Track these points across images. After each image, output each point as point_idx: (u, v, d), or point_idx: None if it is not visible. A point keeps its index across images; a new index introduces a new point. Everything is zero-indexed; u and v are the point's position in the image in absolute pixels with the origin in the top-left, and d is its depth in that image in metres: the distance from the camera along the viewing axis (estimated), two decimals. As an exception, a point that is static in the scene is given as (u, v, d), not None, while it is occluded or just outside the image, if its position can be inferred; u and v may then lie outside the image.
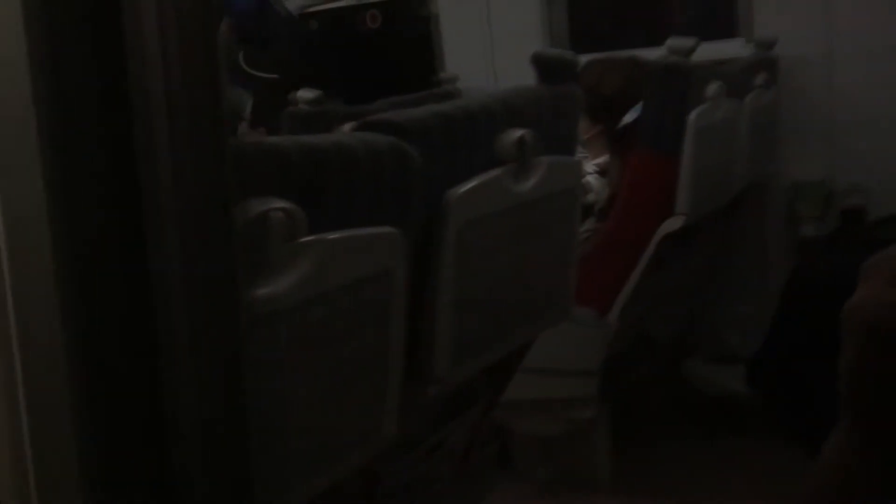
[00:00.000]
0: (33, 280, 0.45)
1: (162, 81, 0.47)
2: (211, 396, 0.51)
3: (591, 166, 2.26)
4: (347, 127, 2.01)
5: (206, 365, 0.51)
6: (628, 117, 2.14)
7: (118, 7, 0.45)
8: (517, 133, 1.21)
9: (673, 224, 1.95)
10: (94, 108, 0.45)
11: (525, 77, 1.45)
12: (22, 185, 0.44)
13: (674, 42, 1.99)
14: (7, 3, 0.43)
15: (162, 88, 0.47)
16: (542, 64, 1.41)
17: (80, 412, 0.45)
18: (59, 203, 0.44)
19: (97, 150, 0.46)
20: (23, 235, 0.44)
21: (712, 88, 1.98)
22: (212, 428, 0.51)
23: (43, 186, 0.44)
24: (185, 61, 0.48)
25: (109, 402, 0.47)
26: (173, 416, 0.49)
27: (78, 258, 0.45)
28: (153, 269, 0.48)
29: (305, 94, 2.37)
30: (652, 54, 2.16)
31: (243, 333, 0.54)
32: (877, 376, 0.49)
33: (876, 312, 0.49)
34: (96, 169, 0.46)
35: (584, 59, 2.12)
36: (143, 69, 0.46)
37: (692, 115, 1.93)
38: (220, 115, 0.51)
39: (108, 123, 0.46)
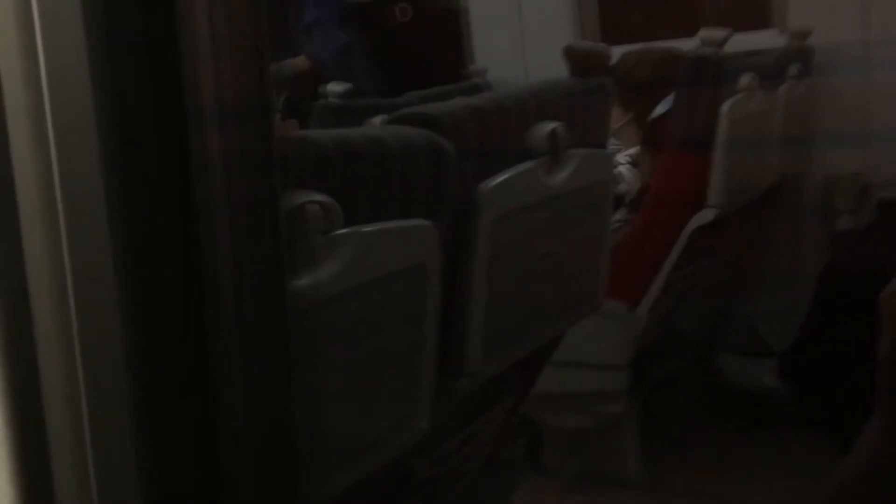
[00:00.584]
0: (92, 277, 0.46)
1: (213, 78, 0.47)
2: (261, 390, 0.52)
3: (624, 157, 2.25)
4: (378, 120, 2.02)
5: (255, 358, 0.52)
6: (660, 108, 2.12)
7: (173, 11, 0.46)
8: (549, 126, 1.21)
9: (704, 216, 1.94)
10: (150, 105, 0.46)
11: (556, 70, 1.44)
12: (83, 180, 0.45)
13: (706, 33, 1.97)
14: (69, 15, 0.44)
15: (212, 82, 0.47)
16: (573, 56, 1.40)
17: (135, 406, 0.46)
18: (116, 197, 0.45)
19: (153, 146, 0.47)
20: (83, 229, 0.45)
21: (745, 80, 1.96)
22: (261, 423, 0.52)
23: (103, 184, 0.45)
24: (236, 60, 0.48)
25: (162, 401, 0.47)
26: (223, 411, 0.49)
27: (132, 251, 0.46)
28: (204, 264, 0.48)
29: (335, 87, 2.38)
30: (684, 45, 2.14)
31: (290, 326, 0.54)
32: None
33: None
34: (151, 165, 0.47)
35: (615, 50, 2.10)
36: (197, 71, 0.47)
37: (724, 107, 1.91)
38: (269, 114, 0.52)
39: (163, 121, 0.47)
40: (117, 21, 0.45)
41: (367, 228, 0.92)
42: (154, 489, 0.47)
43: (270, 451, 0.53)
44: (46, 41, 0.45)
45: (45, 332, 0.46)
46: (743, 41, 2.24)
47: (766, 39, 2.50)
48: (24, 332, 0.47)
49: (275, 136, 0.52)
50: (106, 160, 0.45)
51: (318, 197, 0.84)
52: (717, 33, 1.97)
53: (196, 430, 0.50)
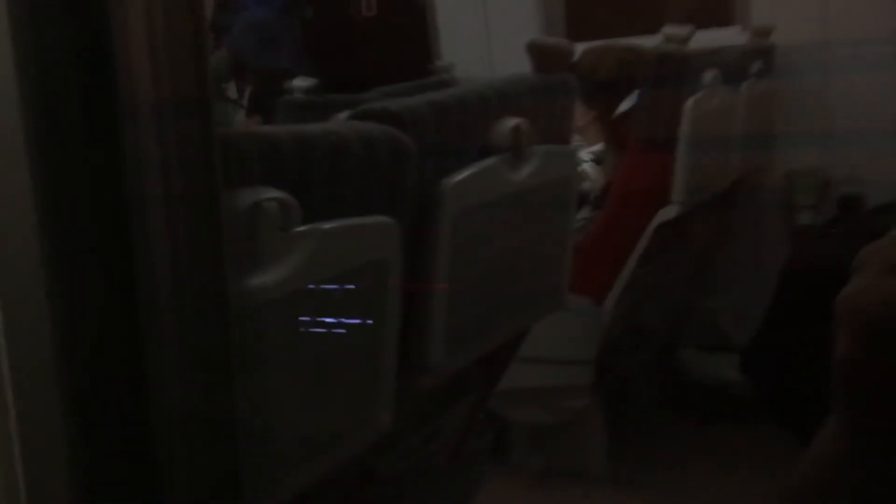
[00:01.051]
0: (19, 271, 0.44)
1: (149, 71, 0.46)
2: (198, 389, 0.51)
3: (587, 154, 2.25)
4: (343, 115, 2.00)
5: (192, 357, 0.51)
6: (624, 105, 2.13)
7: (104, 4, 0.45)
8: (512, 122, 1.21)
9: (668, 213, 1.95)
10: (80, 98, 0.45)
11: (522, 65, 1.44)
12: (8, 178, 0.44)
13: (670, 30, 1.99)
14: None
15: (149, 77, 0.46)
16: (537, 52, 1.40)
17: (67, 406, 0.45)
18: (45, 192, 0.44)
19: (83, 140, 0.46)
20: (9, 226, 0.44)
21: (708, 76, 1.98)
22: (200, 420, 0.51)
23: (30, 177, 0.43)
24: (172, 50, 0.47)
25: (95, 396, 0.46)
26: (160, 409, 0.48)
27: (63, 249, 0.44)
28: (139, 261, 0.47)
29: (301, 82, 2.36)
30: (648, 42, 2.16)
31: (231, 324, 0.53)
32: (869, 368, 0.49)
33: (868, 304, 0.49)
34: (82, 160, 0.46)
35: (580, 47, 2.11)
36: (130, 59, 0.46)
37: (688, 104, 1.93)
38: (207, 105, 0.51)
39: (94, 114, 0.46)
40: (45, 15, 0.44)
41: (327, 225, 0.91)
42: (87, 490, 0.46)
43: (208, 450, 0.52)
44: None
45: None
46: (706, 38, 2.26)
47: (728, 37, 2.53)
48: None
49: (216, 131, 0.51)
50: (33, 156, 0.44)
51: (276, 194, 0.83)
52: (680, 30, 1.99)
53: (131, 428, 0.49)
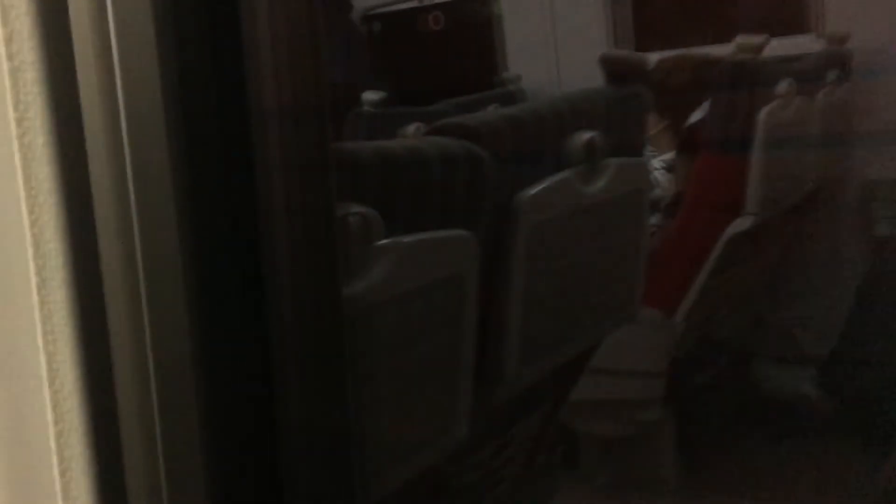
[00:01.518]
0: (163, 281, 0.48)
1: (275, 94, 0.49)
2: (320, 397, 0.54)
3: (658, 162, 2.24)
4: (412, 128, 2.03)
5: (315, 366, 0.53)
6: (696, 115, 2.11)
7: (238, 27, 0.48)
8: (586, 135, 1.21)
9: (742, 224, 1.92)
10: (216, 116, 0.48)
11: (589, 77, 1.45)
12: (153, 186, 0.48)
13: (743, 39, 1.96)
14: (141, 21, 0.46)
15: (275, 100, 0.49)
16: (609, 65, 1.40)
17: (203, 411, 0.48)
18: (184, 205, 0.47)
19: (218, 156, 0.49)
20: (154, 237, 0.47)
21: (782, 86, 1.95)
22: (321, 429, 0.54)
23: (172, 190, 0.47)
24: (295, 74, 0.50)
25: (226, 401, 0.49)
26: (284, 419, 0.51)
27: (200, 260, 0.48)
28: (266, 273, 0.50)
29: (370, 95, 2.41)
30: (721, 51, 2.13)
31: (344, 332, 0.56)
32: None
33: None
34: (217, 175, 0.49)
35: (650, 57, 2.10)
36: (259, 84, 0.49)
37: (762, 114, 1.90)
38: (325, 122, 0.54)
39: (227, 131, 0.49)
40: (185, 33, 0.47)
41: (407, 239, 0.93)
42: (218, 490, 0.49)
43: (329, 457, 0.55)
44: (121, 50, 0.47)
45: (118, 336, 0.48)
46: (780, 46, 2.22)
47: (803, 44, 2.48)
48: (99, 334, 0.49)
49: (330, 143, 0.54)
50: (176, 170, 0.47)
51: (359, 208, 0.86)
52: (753, 39, 1.96)
53: (259, 435, 0.51)
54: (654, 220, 2.12)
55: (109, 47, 0.46)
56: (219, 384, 0.48)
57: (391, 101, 2.48)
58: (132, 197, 0.47)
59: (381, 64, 3.04)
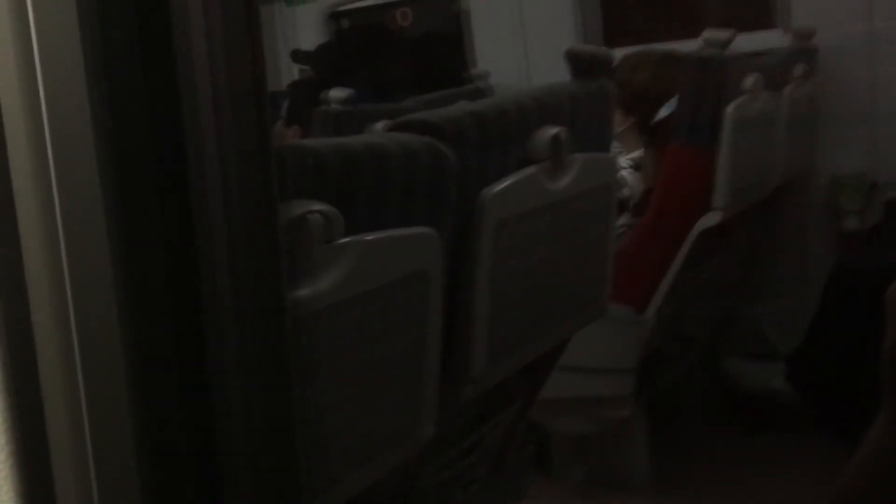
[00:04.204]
0: (91, 285, 0.45)
1: (210, 87, 0.47)
2: (259, 399, 0.52)
3: (626, 161, 2.24)
4: (380, 125, 2.01)
5: (254, 367, 0.51)
6: (663, 111, 2.11)
7: (168, 22, 0.46)
8: (551, 131, 1.20)
9: (710, 219, 1.93)
10: (146, 113, 0.46)
11: (558, 72, 1.43)
12: (80, 195, 0.45)
13: (710, 34, 1.96)
14: (64, 15, 0.44)
15: (210, 94, 0.47)
16: (575, 60, 1.39)
17: (135, 417, 0.46)
18: (113, 210, 0.45)
19: (149, 156, 0.47)
20: (82, 241, 0.45)
21: (749, 81, 1.95)
22: (260, 431, 0.52)
23: (101, 195, 0.45)
24: (231, 66, 0.48)
25: (158, 404, 0.47)
26: (222, 420, 0.49)
27: (129, 259, 0.46)
28: (202, 272, 0.48)
29: (337, 93, 2.38)
30: (688, 47, 2.13)
31: (289, 335, 0.54)
32: None
33: None
34: (148, 173, 0.47)
35: (618, 53, 2.09)
36: (192, 78, 0.47)
37: (729, 109, 1.90)
38: (265, 120, 0.52)
39: (158, 128, 0.47)
40: (113, 32, 0.45)
41: (369, 237, 0.91)
42: (154, 498, 0.47)
43: (271, 462, 0.53)
44: (43, 53, 0.45)
45: (46, 352, 0.46)
46: (747, 41, 2.23)
47: (770, 40, 2.49)
48: (25, 343, 0.47)
49: (273, 144, 0.52)
50: (103, 172, 0.45)
51: (320, 206, 0.84)
52: (720, 34, 1.96)
53: (196, 439, 0.49)
54: (624, 219, 2.12)
55: (29, 35, 0.44)
56: (153, 396, 0.46)
57: (359, 99, 2.45)
58: (58, 212, 0.44)
59: (349, 61, 3.01)
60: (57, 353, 0.46)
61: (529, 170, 1.18)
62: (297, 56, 2.95)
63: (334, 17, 3.07)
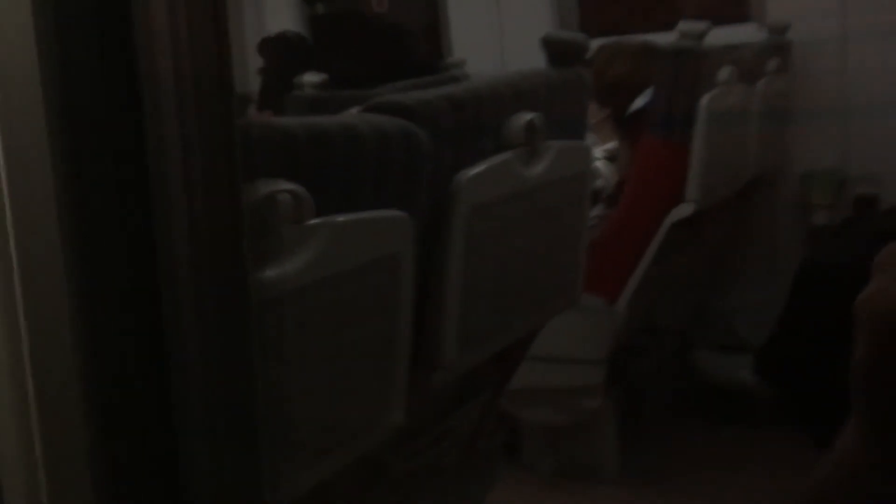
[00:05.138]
0: (41, 263, 0.43)
1: (171, 60, 0.45)
2: (219, 382, 0.50)
3: (600, 152, 2.24)
4: (354, 111, 1.98)
5: (214, 350, 0.50)
6: (638, 102, 2.11)
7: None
8: (526, 117, 1.19)
9: (682, 211, 1.93)
10: (103, 86, 0.44)
11: (534, 61, 1.42)
12: (31, 169, 0.43)
13: (685, 26, 1.96)
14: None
15: (171, 67, 0.45)
16: (551, 47, 1.38)
17: (88, 398, 0.44)
18: (67, 185, 0.43)
19: (106, 129, 0.45)
20: (31, 220, 0.43)
21: (724, 73, 1.96)
22: (220, 415, 0.50)
23: (51, 168, 0.43)
24: (195, 42, 0.46)
25: (117, 387, 0.45)
26: (181, 402, 0.47)
27: (86, 241, 0.44)
28: (161, 253, 0.46)
29: (311, 77, 2.35)
30: (663, 39, 2.13)
31: (251, 315, 0.52)
32: (890, 371, 0.47)
33: (889, 306, 0.47)
34: (105, 149, 0.45)
35: (593, 44, 2.09)
36: (153, 50, 0.45)
37: (703, 101, 1.91)
38: (229, 96, 0.50)
39: (117, 104, 0.45)
40: (66, 6, 0.43)
41: (340, 219, 0.90)
42: (109, 486, 0.45)
43: (232, 448, 0.51)
44: None
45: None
46: (722, 35, 2.24)
47: (745, 33, 2.50)
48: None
49: (236, 123, 0.50)
50: (55, 147, 0.43)
51: (289, 186, 0.82)
52: (696, 26, 1.97)
53: (154, 424, 0.48)
54: (597, 210, 2.12)
55: None
56: (110, 387, 0.44)
57: (332, 85, 2.43)
58: (4, 183, 0.42)
59: (324, 45, 2.98)
60: (5, 340, 0.44)
61: (504, 155, 1.17)
62: (263, 47, 2.91)
63: (309, 1, 3.04)
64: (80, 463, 0.45)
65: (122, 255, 0.47)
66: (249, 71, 2.87)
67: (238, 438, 0.51)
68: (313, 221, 0.85)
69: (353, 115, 1.06)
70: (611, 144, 2.26)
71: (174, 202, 0.48)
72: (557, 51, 1.38)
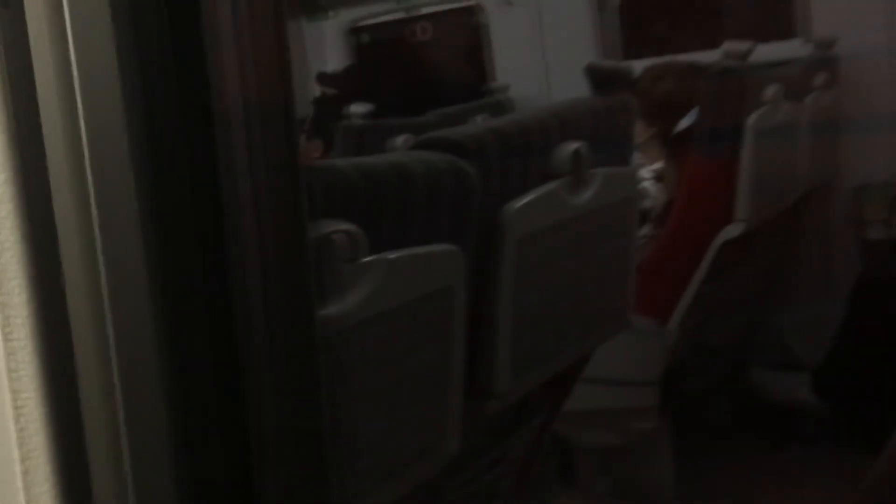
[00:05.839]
0: (129, 309, 0.47)
1: (241, 104, 0.49)
2: (291, 415, 0.53)
3: (648, 172, 2.24)
4: (401, 139, 2.02)
5: (285, 383, 0.53)
6: (684, 122, 2.11)
7: (201, 41, 0.48)
8: (572, 146, 1.21)
9: (732, 231, 1.92)
10: (179, 132, 0.48)
11: (578, 84, 1.44)
12: (117, 213, 0.47)
13: (730, 45, 1.96)
14: (99, 25, 0.46)
15: (241, 112, 0.49)
16: (595, 75, 1.40)
17: (172, 432, 0.47)
18: (150, 228, 0.47)
19: (184, 174, 0.48)
20: (119, 264, 0.46)
21: (770, 91, 1.95)
22: (292, 446, 0.53)
23: (137, 211, 0.46)
24: (262, 84, 0.50)
25: (195, 422, 0.48)
26: (256, 435, 0.50)
27: (165, 278, 0.47)
28: (233, 291, 0.49)
29: (358, 107, 2.40)
30: (708, 58, 2.13)
31: (319, 352, 0.55)
32: None
33: None
34: (183, 192, 0.48)
35: (638, 65, 2.10)
36: (224, 96, 0.48)
37: (750, 120, 1.90)
38: (294, 137, 0.53)
39: (192, 146, 0.48)
40: (145, 38, 0.46)
41: (393, 255, 0.92)
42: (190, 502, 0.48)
43: (301, 478, 0.54)
44: (78, 54, 0.46)
45: (86, 371, 0.47)
46: (768, 52, 2.22)
47: (791, 49, 2.48)
48: (65, 369, 0.48)
49: (301, 164, 0.53)
50: (140, 187, 0.46)
51: (344, 226, 0.85)
52: (740, 45, 1.96)
53: (230, 454, 0.50)
54: (646, 230, 2.11)
55: (67, 53, 0.45)
56: (189, 414, 0.47)
57: (379, 113, 2.47)
58: (96, 228, 0.46)
59: (370, 75, 3.03)
60: (97, 393, 0.47)
61: (551, 185, 1.19)
62: (323, 79, 2.98)
63: (354, 32, 3.10)
64: (165, 483, 0.48)
65: (198, 290, 0.50)
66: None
67: (308, 465, 0.54)
68: (368, 259, 0.88)
69: (403, 153, 1.09)
70: (658, 164, 2.26)
71: (246, 238, 0.51)
72: (601, 79, 1.39)
